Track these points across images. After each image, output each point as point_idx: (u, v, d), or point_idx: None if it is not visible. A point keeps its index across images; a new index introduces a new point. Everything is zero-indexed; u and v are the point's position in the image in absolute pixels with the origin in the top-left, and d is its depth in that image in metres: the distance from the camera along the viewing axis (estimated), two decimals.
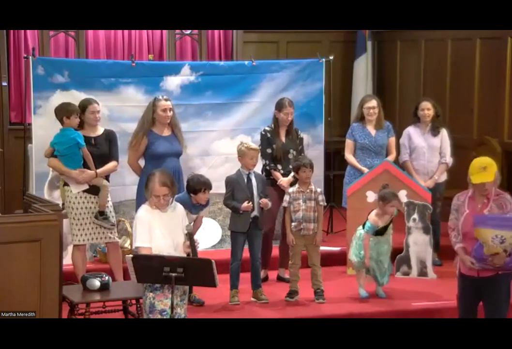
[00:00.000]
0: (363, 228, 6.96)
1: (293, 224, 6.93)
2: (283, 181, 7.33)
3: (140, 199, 6.92)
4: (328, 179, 9.11)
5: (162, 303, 5.25)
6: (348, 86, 10.55)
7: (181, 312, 5.35)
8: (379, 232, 6.93)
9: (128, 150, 7.25)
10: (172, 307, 5.05)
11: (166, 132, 7.25)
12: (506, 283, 5.59)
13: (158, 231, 5.41)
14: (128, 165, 7.37)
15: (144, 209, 5.51)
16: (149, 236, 5.38)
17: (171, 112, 7.20)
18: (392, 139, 8.06)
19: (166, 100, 7.20)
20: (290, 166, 7.36)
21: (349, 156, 8.04)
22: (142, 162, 7.32)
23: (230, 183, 6.87)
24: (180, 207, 5.66)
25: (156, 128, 7.22)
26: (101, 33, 9.57)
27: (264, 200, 6.84)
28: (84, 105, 6.94)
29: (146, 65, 8.29)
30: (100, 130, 7.03)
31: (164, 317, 5.22)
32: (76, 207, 6.90)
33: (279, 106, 7.45)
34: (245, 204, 6.76)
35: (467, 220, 5.56)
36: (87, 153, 6.84)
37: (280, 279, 7.54)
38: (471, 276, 5.60)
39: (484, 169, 5.48)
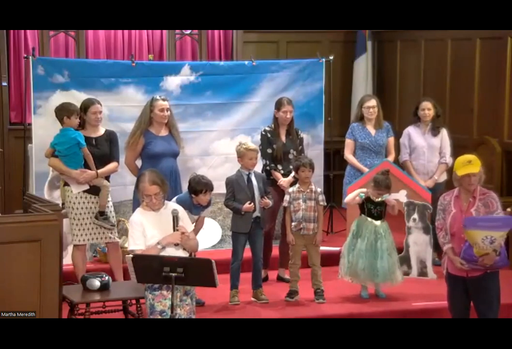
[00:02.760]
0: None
1: (293, 223, 6.93)
2: (284, 181, 7.33)
3: (137, 199, 6.93)
4: (328, 178, 9.12)
5: (161, 304, 5.26)
6: (348, 86, 10.55)
7: (182, 313, 5.34)
8: (370, 212, 6.91)
9: (125, 150, 7.25)
10: (172, 307, 5.05)
11: (163, 132, 7.24)
12: (495, 281, 5.64)
13: (152, 231, 5.40)
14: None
15: (138, 211, 5.53)
16: (143, 239, 5.38)
17: (168, 112, 7.19)
18: (391, 139, 8.08)
19: (163, 100, 7.19)
20: (291, 167, 7.37)
21: (349, 156, 8.05)
22: (139, 164, 7.32)
23: (231, 183, 6.87)
24: (171, 205, 5.64)
25: (153, 128, 7.21)
26: (101, 33, 9.57)
27: (265, 201, 6.84)
28: (86, 105, 6.94)
29: (146, 65, 8.29)
30: (101, 131, 7.04)
31: (164, 318, 5.21)
32: (76, 207, 6.90)
33: (278, 105, 7.46)
34: (247, 205, 6.76)
35: (454, 219, 5.60)
36: (87, 153, 6.84)
37: (280, 279, 7.54)
38: (460, 276, 5.63)
39: (469, 162, 5.53)
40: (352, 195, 7.00)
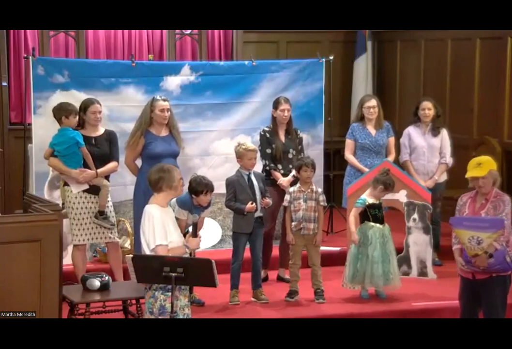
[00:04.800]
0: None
1: (293, 223, 6.93)
2: (283, 180, 7.33)
3: (138, 199, 6.95)
4: (328, 178, 9.11)
5: (174, 305, 5.24)
6: (348, 86, 10.55)
7: (190, 313, 5.35)
8: (376, 216, 6.90)
9: (126, 150, 7.25)
10: (172, 307, 5.05)
11: (164, 132, 7.23)
12: (501, 285, 5.60)
13: (172, 227, 5.40)
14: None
15: (155, 207, 5.41)
16: (166, 234, 5.36)
17: (169, 112, 7.18)
18: (392, 139, 8.07)
19: (164, 100, 7.18)
20: (290, 166, 7.37)
21: (349, 156, 8.04)
22: (139, 163, 7.32)
23: (232, 184, 6.86)
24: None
25: (153, 129, 7.20)
26: (101, 33, 9.57)
27: (266, 200, 6.84)
28: (85, 105, 6.94)
29: (146, 65, 8.29)
30: (101, 131, 7.04)
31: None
32: (76, 207, 6.90)
33: (275, 104, 7.48)
34: (249, 205, 6.75)
35: None
36: (86, 153, 6.84)
37: (280, 279, 7.53)
38: (467, 278, 5.64)
39: (478, 165, 5.57)
40: (353, 226, 6.98)
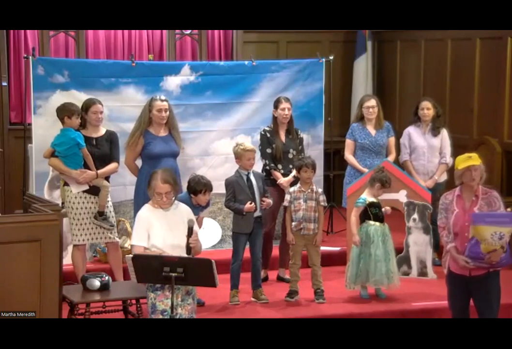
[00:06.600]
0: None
1: (293, 223, 6.93)
2: (284, 180, 7.33)
3: (138, 199, 6.94)
4: (328, 178, 9.12)
5: (163, 303, 5.25)
6: (348, 86, 10.55)
7: (183, 312, 5.34)
8: (376, 215, 6.90)
9: (125, 150, 7.25)
10: (172, 307, 5.05)
11: (163, 132, 7.23)
12: (496, 280, 5.65)
13: (159, 230, 5.40)
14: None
15: (146, 208, 5.49)
16: (147, 235, 5.38)
17: (167, 112, 7.16)
18: (392, 139, 8.07)
19: (162, 100, 7.17)
20: (290, 166, 7.37)
21: (349, 156, 8.04)
22: (139, 163, 7.32)
23: (231, 184, 6.85)
24: (182, 206, 5.64)
25: (152, 129, 7.20)
26: (101, 33, 9.58)
27: (267, 201, 6.83)
28: (87, 105, 6.95)
29: (146, 65, 8.29)
30: (102, 131, 7.04)
31: (165, 317, 5.21)
32: (76, 207, 6.90)
33: (276, 103, 7.49)
34: (248, 205, 6.74)
35: (457, 218, 5.61)
36: (87, 154, 6.85)
37: (280, 279, 7.54)
38: (462, 275, 5.64)
39: (469, 157, 5.59)
40: (354, 227, 6.97)
